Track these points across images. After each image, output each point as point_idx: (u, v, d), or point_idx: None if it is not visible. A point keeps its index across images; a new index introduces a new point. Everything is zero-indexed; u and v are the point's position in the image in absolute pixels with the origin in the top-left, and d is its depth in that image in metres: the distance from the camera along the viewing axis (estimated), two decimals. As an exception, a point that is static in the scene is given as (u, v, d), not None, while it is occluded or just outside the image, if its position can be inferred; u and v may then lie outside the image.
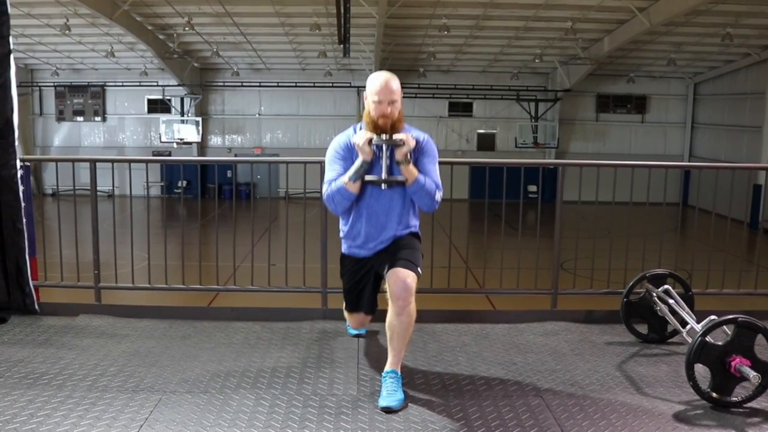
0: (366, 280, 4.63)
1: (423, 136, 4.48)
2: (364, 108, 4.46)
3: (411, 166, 4.29)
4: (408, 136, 4.28)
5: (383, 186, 4.36)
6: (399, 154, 4.25)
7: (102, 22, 20.53)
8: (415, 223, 4.60)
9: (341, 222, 4.66)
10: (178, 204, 6.55)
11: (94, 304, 6.00)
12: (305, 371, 4.61)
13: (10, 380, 4.35)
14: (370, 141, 4.27)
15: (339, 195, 4.40)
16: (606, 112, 31.72)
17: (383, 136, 4.25)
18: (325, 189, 4.47)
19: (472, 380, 4.52)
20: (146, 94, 31.11)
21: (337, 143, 4.52)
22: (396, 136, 4.24)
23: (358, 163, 4.33)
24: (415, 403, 4.13)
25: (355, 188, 4.36)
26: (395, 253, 4.39)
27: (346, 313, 4.94)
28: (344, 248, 4.69)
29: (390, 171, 4.33)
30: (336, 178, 4.41)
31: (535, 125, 30.59)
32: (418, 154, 4.41)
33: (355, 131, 4.45)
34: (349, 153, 4.43)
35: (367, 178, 4.35)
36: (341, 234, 4.67)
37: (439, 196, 4.38)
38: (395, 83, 4.31)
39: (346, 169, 4.39)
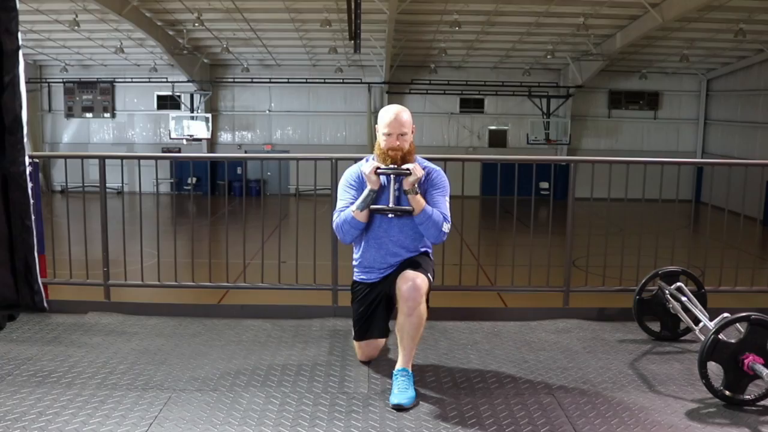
0: (377, 302, 4.60)
1: (434, 168, 4.54)
2: (376, 139, 4.52)
3: (419, 197, 4.33)
4: (416, 165, 4.33)
5: (390, 215, 4.41)
6: (406, 184, 4.31)
7: (111, 17, 20.55)
8: (425, 248, 4.61)
9: (354, 250, 4.69)
10: (188, 201, 6.54)
11: (103, 301, 6.00)
12: (315, 369, 4.60)
13: (18, 378, 4.34)
14: (376, 170, 4.33)
15: (347, 224, 4.45)
16: (618, 108, 31.48)
17: (390, 165, 4.32)
18: (335, 218, 4.55)
19: (483, 378, 4.49)
20: (156, 90, 31.05)
21: (348, 174, 4.60)
22: (403, 166, 4.31)
23: (365, 192, 4.39)
24: (427, 401, 4.11)
25: (362, 217, 4.41)
26: (404, 266, 4.40)
27: (354, 344, 4.79)
28: (355, 275, 4.71)
29: (398, 201, 4.40)
30: (345, 208, 4.47)
31: (547, 122, 30.42)
32: (427, 185, 4.47)
33: (367, 162, 4.51)
34: (360, 183, 4.50)
35: (374, 207, 4.40)
36: (354, 262, 4.69)
37: (446, 227, 4.41)
38: (405, 116, 4.39)
39: (356, 199, 4.44)
